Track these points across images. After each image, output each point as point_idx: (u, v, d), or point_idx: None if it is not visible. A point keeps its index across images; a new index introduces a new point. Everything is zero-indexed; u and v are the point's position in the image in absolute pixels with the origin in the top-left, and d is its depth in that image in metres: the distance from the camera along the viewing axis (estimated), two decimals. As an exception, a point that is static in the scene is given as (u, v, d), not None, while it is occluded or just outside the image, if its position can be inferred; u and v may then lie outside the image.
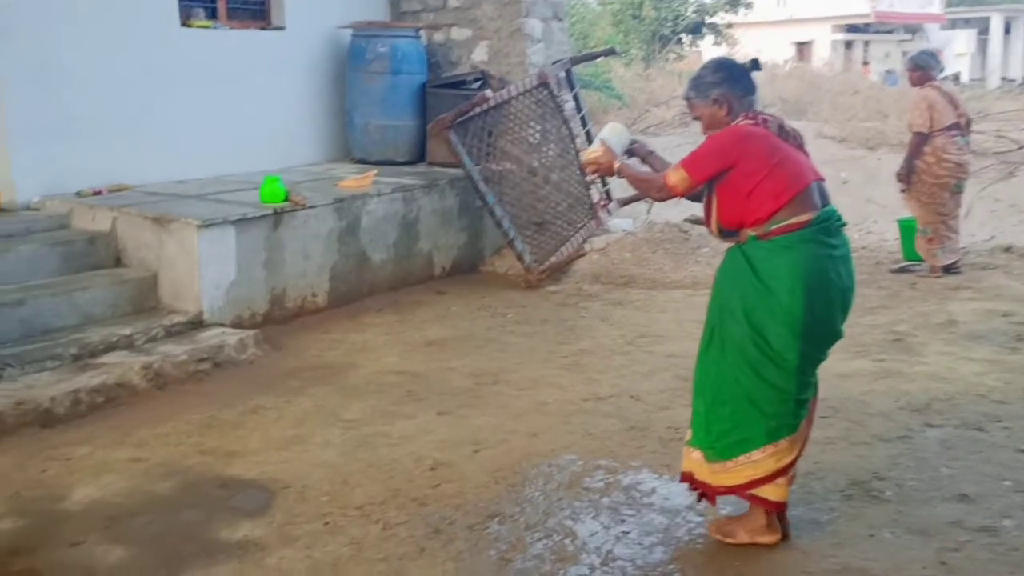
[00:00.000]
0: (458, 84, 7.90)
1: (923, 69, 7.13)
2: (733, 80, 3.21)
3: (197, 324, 5.45)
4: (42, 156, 6.07)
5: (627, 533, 3.37)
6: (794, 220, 3.04)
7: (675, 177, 3.19)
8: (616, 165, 3.39)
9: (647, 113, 14.15)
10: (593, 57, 9.23)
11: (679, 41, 27.26)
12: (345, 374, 5.08)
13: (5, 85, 5.85)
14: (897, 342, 5.50)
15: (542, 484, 3.78)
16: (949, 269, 7.13)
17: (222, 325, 5.51)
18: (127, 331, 5.15)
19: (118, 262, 5.74)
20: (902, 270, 7.38)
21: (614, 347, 5.54)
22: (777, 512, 3.23)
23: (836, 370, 4.84)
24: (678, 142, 11.83)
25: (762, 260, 3.07)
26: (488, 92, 7.01)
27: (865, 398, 4.60)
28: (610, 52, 8.88)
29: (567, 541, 3.32)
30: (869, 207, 9.60)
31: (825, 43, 34.46)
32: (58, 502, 3.63)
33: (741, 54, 23.73)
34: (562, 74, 7.95)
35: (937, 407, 4.46)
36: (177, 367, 4.92)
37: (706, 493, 3.30)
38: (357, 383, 4.94)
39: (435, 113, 7.41)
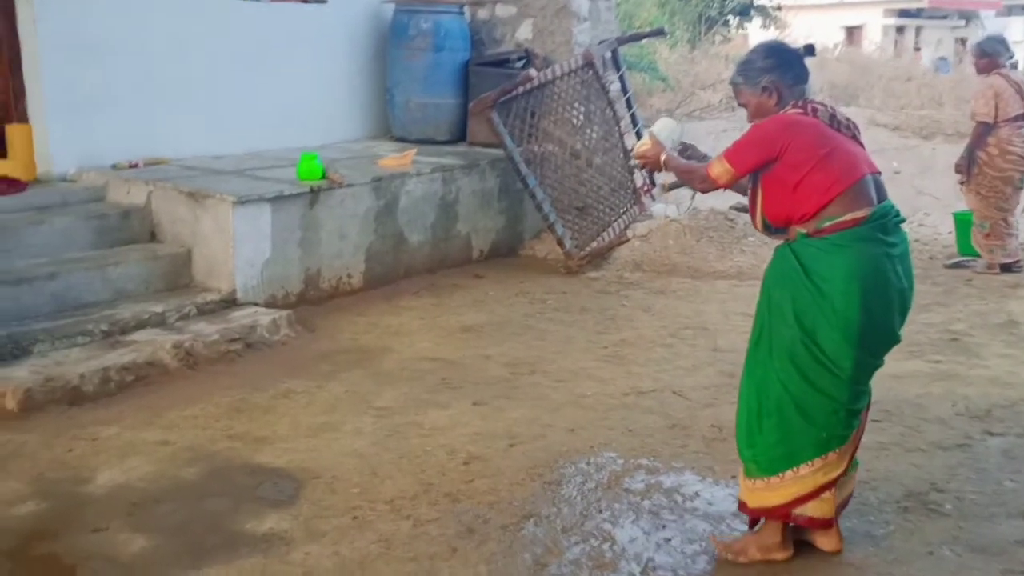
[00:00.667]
0: (501, 62, 7.71)
1: (991, 56, 6.82)
2: (785, 67, 3.00)
3: (230, 303, 5.34)
4: (79, 128, 5.97)
5: (669, 540, 3.20)
6: (848, 217, 2.83)
7: (718, 168, 3.01)
8: (663, 158, 3.22)
9: (693, 96, 13.84)
10: (640, 37, 8.97)
11: (726, 23, 26.73)
12: (379, 359, 4.95)
13: (43, 56, 5.76)
14: (954, 342, 5.26)
15: (580, 483, 3.62)
16: (1008, 267, 6.85)
17: (255, 304, 5.41)
18: (159, 308, 5.05)
19: (152, 237, 5.65)
20: (957, 265, 7.11)
21: (656, 339, 5.36)
22: (825, 527, 3.04)
23: (890, 371, 4.57)
24: (724, 127, 11.56)
25: (814, 259, 2.86)
26: (532, 71, 6.82)
27: (921, 402, 4.39)
28: (658, 33, 8.63)
29: (605, 546, 3.16)
30: (922, 199, 9.29)
31: (876, 28, 33.67)
32: (82, 485, 3.54)
33: (790, 38, 23.24)
34: (608, 54, 7.74)
35: (998, 414, 4.24)
36: (208, 347, 4.82)
37: (749, 516, 3.11)
38: (391, 369, 4.81)
39: (477, 92, 7.24)
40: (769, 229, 3.04)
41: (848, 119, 3.03)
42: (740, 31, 27.93)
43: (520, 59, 7.73)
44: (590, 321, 5.70)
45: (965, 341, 5.28)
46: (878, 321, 2.87)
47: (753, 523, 3.14)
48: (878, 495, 3.48)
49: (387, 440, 3.96)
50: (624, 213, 7.41)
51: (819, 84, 17.15)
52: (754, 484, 3.02)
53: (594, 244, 6.99)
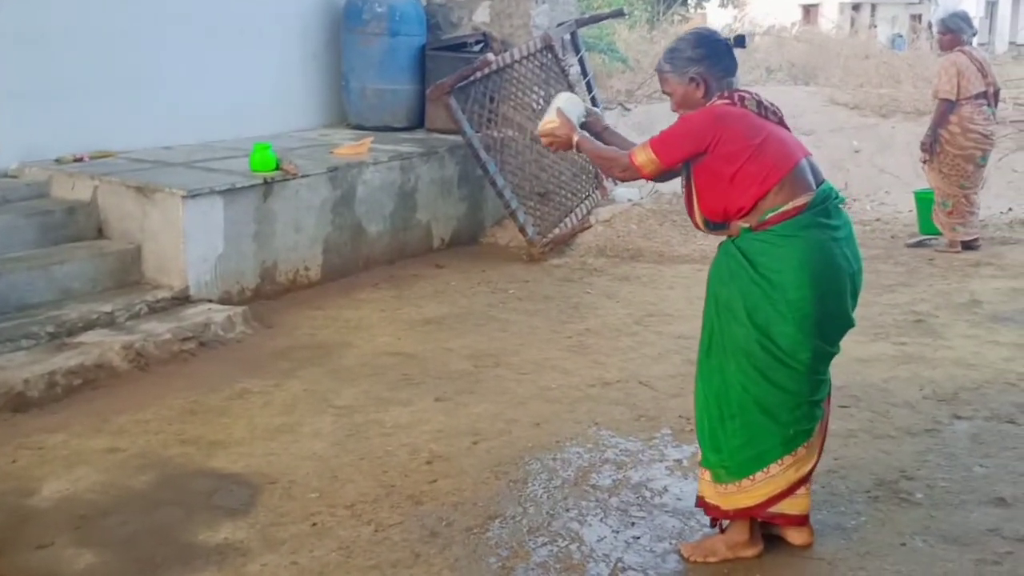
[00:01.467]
0: (458, 47, 7.56)
1: (954, 32, 6.81)
2: (714, 58, 2.90)
3: (183, 300, 5.17)
4: (21, 120, 5.74)
5: (638, 538, 3.12)
6: (791, 205, 2.76)
7: (642, 157, 2.89)
8: (575, 138, 3.05)
9: (653, 77, 13.74)
10: (600, 19, 8.84)
11: (684, 3, 26.68)
12: (338, 355, 4.82)
13: (-20, 45, 5.53)
14: (918, 323, 5.24)
15: (546, 480, 3.53)
16: (969, 245, 6.85)
17: (209, 301, 5.24)
18: (108, 308, 4.87)
19: (99, 234, 5.45)
20: (919, 244, 7.11)
21: (621, 327, 5.28)
22: (800, 524, 2.98)
23: (855, 354, 4.60)
24: (685, 108, 11.48)
25: (761, 253, 2.78)
26: (490, 55, 6.69)
27: (888, 386, 4.35)
28: (618, 14, 8.54)
29: (573, 547, 3.07)
30: (882, 177, 9.27)
31: (832, 6, 33.81)
32: (27, 497, 3.38)
33: (747, 17, 23.24)
34: (567, 36, 7.63)
35: (965, 396, 4.21)
36: (160, 347, 4.65)
37: (715, 517, 3.02)
38: (350, 365, 4.68)
39: (434, 77, 7.09)
40: (708, 225, 2.94)
41: (773, 104, 2.96)
42: (699, 10, 27.90)
43: (478, 43, 7.59)
44: (554, 310, 5.61)
45: (929, 322, 5.26)
46: (833, 308, 2.81)
47: (714, 521, 3.07)
48: (848, 484, 3.44)
49: (347, 441, 3.84)
50: (586, 198, 7.33)
51: (777, 63, 17.14)
52: (725, 488, 2.92)
53: (556, 231, 6.90)
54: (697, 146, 2.81)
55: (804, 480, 2.91)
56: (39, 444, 3.79)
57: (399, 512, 3.28)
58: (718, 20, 25.17)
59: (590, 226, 7.03)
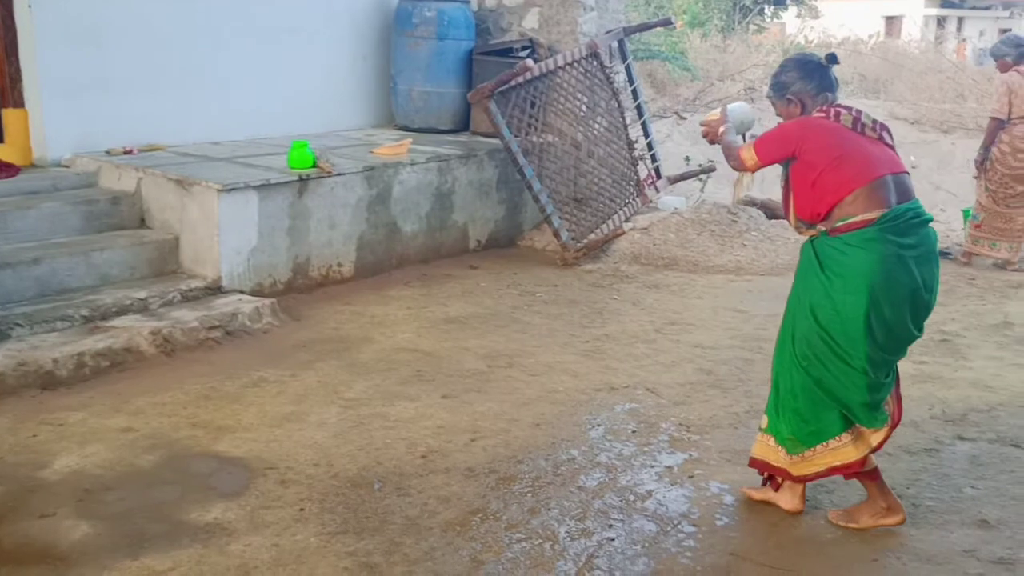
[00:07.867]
0: (505, 52, 7.65)
1: (998, 58, 6.83)
2: (806, 78, 3.23)
3: (215, 290, 5.37)
4: (76, 113, 6.01)
5: (612, 540, 3.17)
6: (859, 218, 3.00)
7: (747, 153, 3.26)
8: (720, 130, 3.45)
9: (711, 87, 13.66)
10: (648, 27, 8.83)
11: (761, 12, 26.37)
12: (357, 349, 4.95)
13: (39, 40, 5.80)
14: (944, 343, 5.15)
15: (533, 479, 3.59)
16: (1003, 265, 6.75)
17: (241, 292, 5.43)
18: (142, 295, 5.09)
19: (142, 224, 5.69)
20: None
21: (639, 334, 5.30)
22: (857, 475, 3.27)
23: (871, 371, 4.56)
24: (743, 118, 11.40)
25: (829, 257, 3.06)
26: (530, 62, 6.75)
27: (897, 404, 4.29)
28: (666, 22, 8.49)
29: (547, 545, 3.13)
30: (938, 194, 9.10)
31: (917, 18, 33.00)
32: (39, 470, 3.56)
33: (820, 27, 22.87)
34: (614, 44, 7.65)
35: (974, 418, 4.14)
36: (187, 334, 4.84)
37: (772, 477, 3.37)
38: (367, 359, 4.80)
39: (480, 81, 7.19)
40: (801, 224, 3.20)
41: (875, 122, 3.17)
42: (775, 20, 27.55)
43: (524, 48, 7.66)
44: (576, 314, 5.65)
45: (955, 342, 5.16)
46: (889, 319, 3.01)
47: (769, 478, 3.39)
48: (833, 499, 3.43)
49: (349, 432, 3.95)
50: (625, 205, 7.34)
51: (849, 75, 16.88)
52: (791, 459, 3.24)
53: (591, 236, 6.94)
54: (785, 149, 3.14)
55: (872, 452, 3.21)
56: (60, 421, 3.99)
57: (385, 503, 3.37)
58: (793, 30, 24.81)
59: (623, 232, 7.05)
